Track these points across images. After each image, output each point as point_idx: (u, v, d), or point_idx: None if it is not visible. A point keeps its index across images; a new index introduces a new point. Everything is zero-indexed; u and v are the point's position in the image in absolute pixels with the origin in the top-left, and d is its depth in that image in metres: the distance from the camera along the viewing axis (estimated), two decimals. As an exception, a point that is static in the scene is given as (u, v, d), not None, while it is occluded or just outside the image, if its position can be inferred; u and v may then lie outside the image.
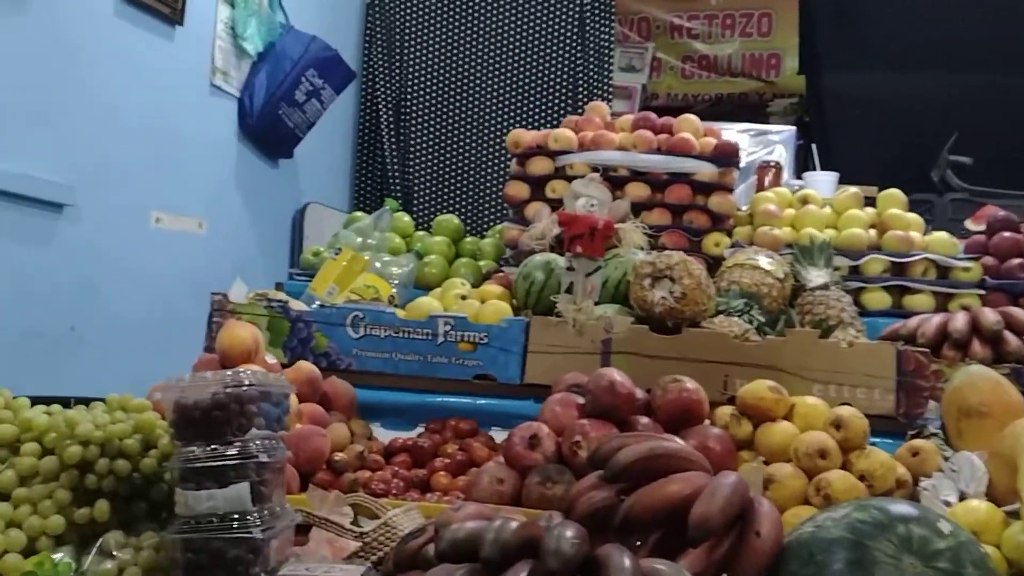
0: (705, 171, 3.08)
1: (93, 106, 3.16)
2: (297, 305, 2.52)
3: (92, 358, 3.09)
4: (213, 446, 1.45)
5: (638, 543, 1.46)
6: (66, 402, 1.68)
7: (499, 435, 2.20)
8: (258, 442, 1.48)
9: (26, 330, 2.85)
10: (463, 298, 2.64)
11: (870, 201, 3.32)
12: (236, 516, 1.44)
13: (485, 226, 4.93)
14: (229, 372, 1.50)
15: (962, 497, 1.76)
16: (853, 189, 3.32)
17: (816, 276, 2.76)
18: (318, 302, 2.63)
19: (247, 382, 1.48)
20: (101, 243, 3.17)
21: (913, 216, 3.23)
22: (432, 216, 4.14)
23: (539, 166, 3.14)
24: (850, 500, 1.66)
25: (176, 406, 1.47)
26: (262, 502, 1.47)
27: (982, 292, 3.01)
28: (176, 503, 1.46)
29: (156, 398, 1.61)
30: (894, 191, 3.31)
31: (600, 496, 1.51)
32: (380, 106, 5.29)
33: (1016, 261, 3.05)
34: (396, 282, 2.85)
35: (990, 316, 2.64)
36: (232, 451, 1.45)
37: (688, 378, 1.98)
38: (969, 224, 3.45)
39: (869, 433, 1.90)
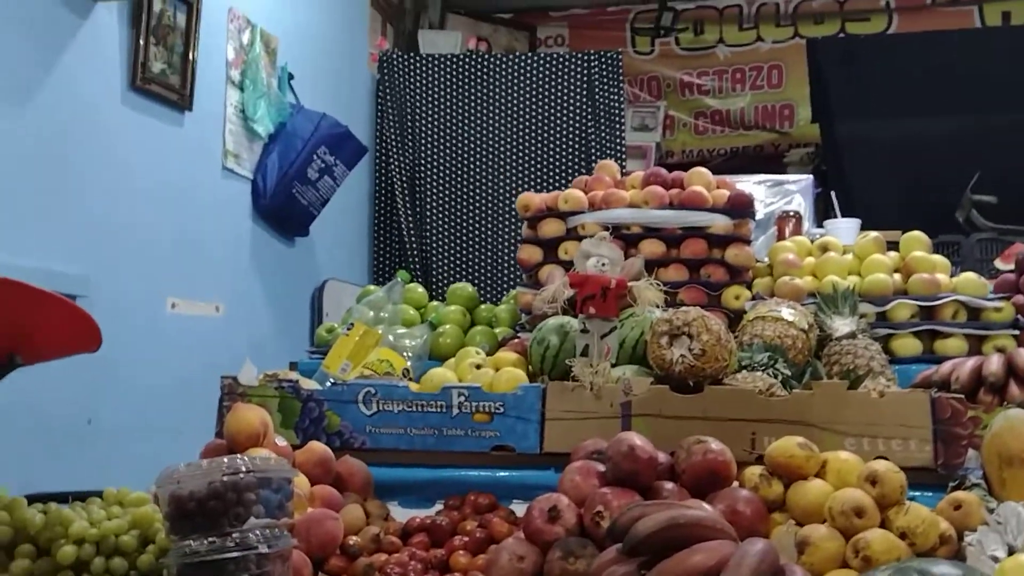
0: (720, 223, 3.01)
1: (105, 195, 3.17)
2: (309, 384, 2.46)
3: (109, 448, 3.05)
4: (211, 539, 1.39)
5: (664, 620, 1.37)
6: (64, 498, 1.63)
7: (520, 508, 2.10)
8: (258, 532, 1.41)
9: (42, 423, 2.82)
10: (478, 367, 2.58)
11: (893, 245, 3.23)
12: (238, 612, 1.37)
13: (504, 292, 4.89)
14: (226, 459, 1.44)
15: (1011, 551, 1.65)
16: (874, 234, 3.24)
17: (842, 325, 2.68)
18: (331, 380, 2.58)
19: (244, 469, 1.42)
20: (117, 332, 3.12)
21: (939, 258, 3.13)
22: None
23: (550, 228, 3.09)
24: (891, 561, 1.56)
25: (171, 498, 1.41)
26: (265, 595, 1.40)
27: (1016, 332, 2.90)
28: (175, 601, 1.39)
29: (153, 490, 1.55)
30: (916, 233, 3.22)
31: (621, 571, 1.43)
32: (395, 179, 5.31)
33: (1050, 298, 2.94)
34: (410, 355, 2.78)
35: (1027, 356, 2.53)
36: (230, 543, 1.38)
37: (713, 438, 1.90)
38: (998, 263, 3.35)
39: (907, 487, 1.80)
